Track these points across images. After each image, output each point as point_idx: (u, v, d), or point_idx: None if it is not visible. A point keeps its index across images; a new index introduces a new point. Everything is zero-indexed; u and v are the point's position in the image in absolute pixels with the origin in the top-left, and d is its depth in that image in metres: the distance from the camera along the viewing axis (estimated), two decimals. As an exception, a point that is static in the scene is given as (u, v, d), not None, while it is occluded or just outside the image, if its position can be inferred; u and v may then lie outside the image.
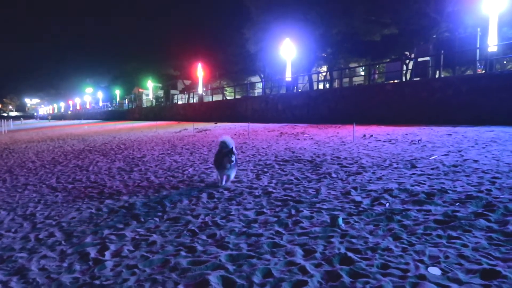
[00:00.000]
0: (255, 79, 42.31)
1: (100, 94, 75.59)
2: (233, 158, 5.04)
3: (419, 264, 2.55)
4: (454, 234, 3.08)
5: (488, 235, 3.02)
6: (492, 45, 15.90)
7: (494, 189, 4.27)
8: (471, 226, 3.22)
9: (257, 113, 27.11)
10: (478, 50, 17.35)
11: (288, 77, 28.08)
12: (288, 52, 27.58)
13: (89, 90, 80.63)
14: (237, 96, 37.43)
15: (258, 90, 37.26)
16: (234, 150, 5.10)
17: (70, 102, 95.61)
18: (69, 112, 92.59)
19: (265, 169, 6.65)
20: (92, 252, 3.14)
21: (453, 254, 2.69)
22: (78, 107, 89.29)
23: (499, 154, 6.76)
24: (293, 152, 8.68)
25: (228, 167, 5.17)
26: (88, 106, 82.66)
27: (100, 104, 75.65)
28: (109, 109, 69.36)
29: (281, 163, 7.25)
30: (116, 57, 58.88)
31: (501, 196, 3.96)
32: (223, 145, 5.24)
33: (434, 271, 2.47)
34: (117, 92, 67.78)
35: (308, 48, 29.00)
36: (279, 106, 25.34)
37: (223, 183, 5.37)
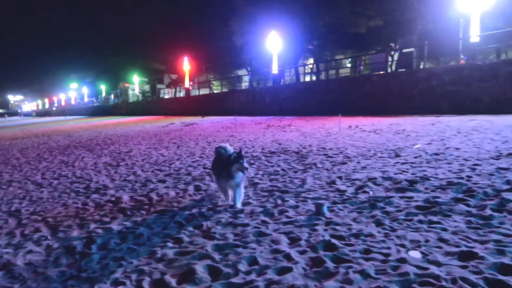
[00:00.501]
0: (242, 72, 42.19)
1: (85, 90, 74.52)
2: (246, 164, 3.66)
3: (400, 249, 2.63)
4: (434, 219, 3.17)
5: (467, 219, 3.11)
6: (474, 35, 16.14)
7: (474, 176, 4.39)
8: (451, 211, 3.31)
9: (244, 106, 27.10)
10: (460, 41, 17.60)
11: (275, 69, 28.07)
12: (274, 45, 27.54)
13: (73, 85, 79.32)
14: (224, 90, 37.31)
15: (245, 83, 37.16)
16: (242, 153, 3.72)
17: (55, 98, 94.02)
18: (54, 109, 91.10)
19: (252, 161, 6.69)
20: (79, 246, 3.14)
21: (433, 238, 2.78)
22: (63, 103, 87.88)
23: (480, 142, 6.92)
24: (280, 144, 8.75)
25: (239, 177, 3.74)
26: (73, 102, 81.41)
27: (86, 99, 74.58)
28: (95, 104, 68.50)
29: (268, 154, 7.30)
30: (100, 52, 57.93)
31: (480, 182, 4.07)
32: (223, 150, 4.03)
33: (415, 254, 2.55)
34: (103, 87, 66.88)
35: (295, 40, 28.98)
36: (266, 99, 25.36)
37: (238, 202, 3.87)
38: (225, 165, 3.72)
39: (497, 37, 20.10)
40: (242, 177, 3.81)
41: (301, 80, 31.64)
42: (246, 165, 3.65)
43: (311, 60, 37.16)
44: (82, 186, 5.69)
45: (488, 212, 3.20)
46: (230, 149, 4.04)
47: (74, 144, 12.74)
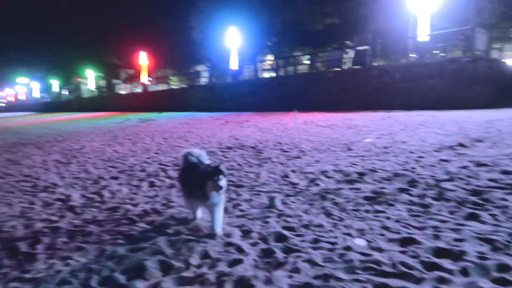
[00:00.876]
0: (201, 68, 41.75)
1: (36, 85, 70.67)
2: (223, 183, 2.86)
3: (347, 237, 2.75)
4: (380, 208, 3.34)
5: (409, 207, 3.31)
6: (422, 34, 16.96)
7: (418, 167, 4.65)
8: (395, 200, 3.50)
9: (203, 102, 26.89)
10: (410, 40, 18.42)
11: (234, 65, 28.05)
12: (233, 41, 27.52)
13: (23, 80, 74.88)
14: (183, 86, 36.79)
15: (204, 79, 36.84)
16: (222, 168, 2.91)
17: (2, 94, 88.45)
18: (3, 105, 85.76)
19: (208, 157, 6.67)
20: (23, 246, 3.02)
21: (377, 226, 2.93)
22: (11, 99, 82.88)
23: (425, 136, 7.32)
24: (237, 139, 8.79)
25: (216, 197, 2.90)
26: (23, 97, 76.98)
27: (36, 95, 70.79)
28: (46, 100, 65.25)
29: (225, 150, 7.32)
30: (52, 46, 54.84)
31: (423, 173, 4.32)
32: (194, 158, 3.28)
33: (360, 242, 2.68)
34: (55, 82, 63.77)
35: (254, 36, 29.12)
36: (225, 95, 25.30)
37: (216, 227, 2.98)
38: (197, 180, 2.96)
39: (444, 37, 21.23)
40: (222, 196, 2.96)
41: (260, 76, 31.85)
42: (222, 183, 2.83)
43: (270, 56, 37.44)
44: (29, 184, 5.43)
45: (428, 200, 3.41)
46: (204, 157, 3.34)
47: (22, 141, 12.08)
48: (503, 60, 18.48)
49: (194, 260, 2.56)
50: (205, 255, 2.62)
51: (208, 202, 2.92)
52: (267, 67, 35.19)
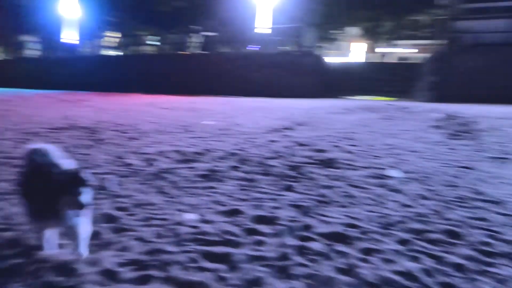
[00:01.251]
0: (30, 38, 36.06)
1: None
2: (86, 198, 1.98)
3: (178, 213, 2.85)
4: (212, 184, 3.54)
5: (238, 182, 3.61)
6: (264, 27, 18.34)
7: (250, 147, 5.09)
8: (227, 177, 3.77)
9: (33, 78, 23.48)
10: (253, 30, 19.73)
11: (72, 39, 25.23)
12: (70, 11, 24.64)
13: None
14: (7, 58, 31.37)
15: (35, 52, 32.00)
16: (83, 175, 1.99)
17: None
18: None
19: (29, 138, 5.89)
20: None
21: (209, 200, 3.12)
22: None
23: (259, 120, 8.06)
24: (70, 120, 8.02)
25: (71, 219, 2.01)
26: None
27: None
28: None
29: (54, 130, 6.59)
30: None
31: (252, 152, 4.76)
32: (43, 158, 2.10)
33: (190, 216, 2.81)
34: None
35: (95, 10, 26.64)
36: (61, 71, 22.59)
37: (79, 247, 2.12)
38: (44, 192, 2.01)
39: (282, 31, 23.37)
40: (83, 213, 2.05)
41: (102, 53, 29.48)
42: (83, 198, 1.97)
43: (116, 34, 34.91)
44: None
45: (255, 176, 3.78)
46: (58, 157, 2.17)
47: None
48: (324, 57, 21.44)
49: (7, 251, 2.28)
50: (15, 243, 2.36)
51: (63, 224, 2.06)
52: (111, 45, 32.80)
